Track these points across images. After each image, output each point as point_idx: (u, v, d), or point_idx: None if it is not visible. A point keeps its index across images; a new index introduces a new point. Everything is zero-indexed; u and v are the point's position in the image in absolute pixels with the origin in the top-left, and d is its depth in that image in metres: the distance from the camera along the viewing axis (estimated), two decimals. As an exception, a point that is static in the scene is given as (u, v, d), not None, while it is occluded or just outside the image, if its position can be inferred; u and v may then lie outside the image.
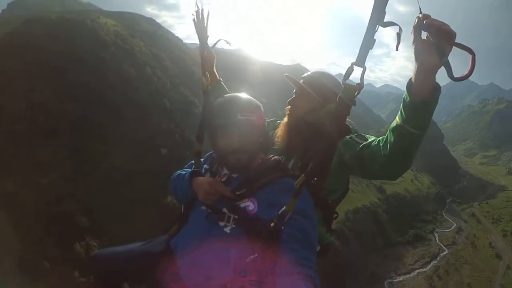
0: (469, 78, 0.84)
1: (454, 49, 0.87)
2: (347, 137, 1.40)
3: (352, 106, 1.06)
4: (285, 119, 1.61)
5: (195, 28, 1.77)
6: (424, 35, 0.90)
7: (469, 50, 0.83)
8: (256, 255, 1.04)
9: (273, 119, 1.79)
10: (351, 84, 1.03)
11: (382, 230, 56.79)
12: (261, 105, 1.33)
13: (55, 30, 38.45)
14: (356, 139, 1.36)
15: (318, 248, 1.41)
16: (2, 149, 24.64)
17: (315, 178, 1.11)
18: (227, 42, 1.77)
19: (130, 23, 55.15)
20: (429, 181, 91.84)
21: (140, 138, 33.42)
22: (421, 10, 0.87)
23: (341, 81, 1.16)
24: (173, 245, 1.30)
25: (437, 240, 64.01)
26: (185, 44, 70.07)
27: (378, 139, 1.24)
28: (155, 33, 57.24)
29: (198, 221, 1.25)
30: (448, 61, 0.84)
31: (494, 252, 62.09)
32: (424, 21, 0.87)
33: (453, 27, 0.86)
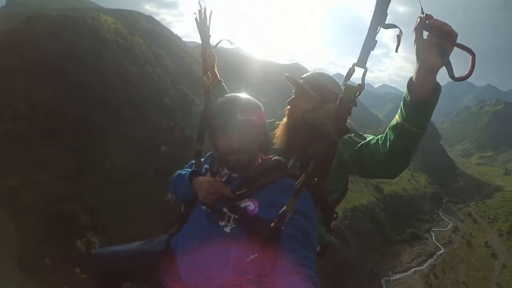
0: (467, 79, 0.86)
1: (453, 49, 0.88)
2: (346, 136, 1.40)
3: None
4: (285, 119, 1.61)
5: (197, 28, 1.75)
6: (425, 35, 0.91)
7: (470, 51, 0.84)
8: (256, 255, 1.05)
9: (272, 120, 1.78)
10: (352, 85, 1.04)
11: (379, 228, 57.13)
12: (261, 105, 1.32)
13: (56, 28, 37.92)
14: (355, 138, 1.37)
15: (318, 248, 1.42)
16: (2, 148, 24.47)
17: (316, 178, 1.11)
18: (230, 42, 1.74)
19: (130, 21, 54.67)
20: (426, 181, 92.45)
21: (140, 137, 33.25)
22: (423, 10, 0.88)
23: (340, 82, 1.18)
24: (173, 244, 1.30)
25: (434, 239, 64.60)
26: (184, 42, 69.66)
27: (377, 137, 1.24)
28: (155, 31, 56.81)
29: (198, 221, 1.25)
30: (449, 61, 0.86)
31: (490, 251, 62.72)
32: (427, 21, 0.88)
33: None
